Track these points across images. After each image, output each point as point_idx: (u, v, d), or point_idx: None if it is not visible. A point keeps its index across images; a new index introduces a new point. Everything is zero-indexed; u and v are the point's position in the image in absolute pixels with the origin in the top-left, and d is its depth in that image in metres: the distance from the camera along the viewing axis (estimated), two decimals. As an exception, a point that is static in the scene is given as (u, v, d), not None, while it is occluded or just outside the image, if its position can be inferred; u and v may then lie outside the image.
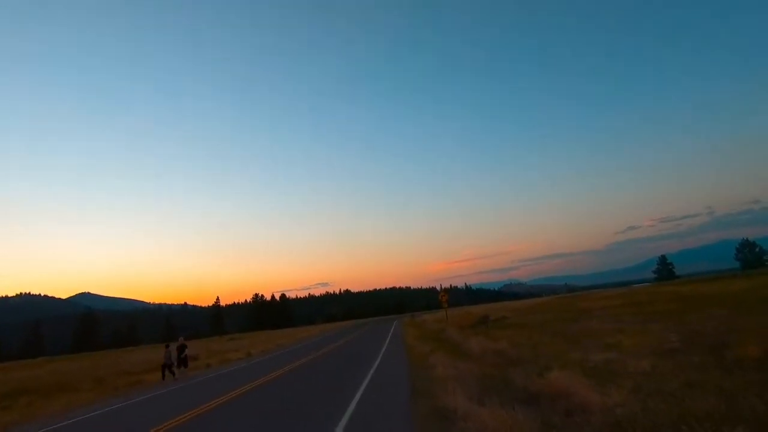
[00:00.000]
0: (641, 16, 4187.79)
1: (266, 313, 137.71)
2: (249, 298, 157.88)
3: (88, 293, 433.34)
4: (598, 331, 15.67)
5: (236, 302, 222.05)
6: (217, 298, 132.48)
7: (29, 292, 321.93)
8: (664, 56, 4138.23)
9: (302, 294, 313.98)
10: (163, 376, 17.67)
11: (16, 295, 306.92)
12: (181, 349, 19.04)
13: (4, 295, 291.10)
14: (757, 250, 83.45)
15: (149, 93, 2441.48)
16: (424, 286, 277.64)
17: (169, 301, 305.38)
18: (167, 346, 18.87)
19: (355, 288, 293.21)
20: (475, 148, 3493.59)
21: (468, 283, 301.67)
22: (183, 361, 18.87)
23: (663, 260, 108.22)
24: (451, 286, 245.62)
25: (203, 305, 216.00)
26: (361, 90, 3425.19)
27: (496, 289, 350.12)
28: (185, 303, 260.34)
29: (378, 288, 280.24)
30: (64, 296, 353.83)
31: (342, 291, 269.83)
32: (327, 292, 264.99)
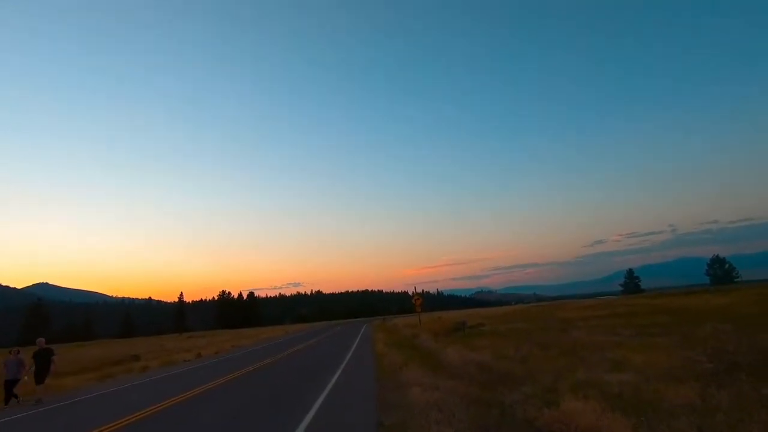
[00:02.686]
0: (607, 44, 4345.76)
1: (232, 312, 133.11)
2: (216, 296, 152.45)
3: (46, 284, 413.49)
4: (591, 343, 13.69)
5: (203, 299, 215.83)
6: (181, 294, 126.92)
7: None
8: (631, 76, 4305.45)
9: (273, 293, 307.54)
10: (6, 399, 11.67)
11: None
12: (42, 356, 12.10)
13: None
14: (726, 266, 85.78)
15: (119, 85, 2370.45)
16: (396, 290, 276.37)
17: (132, 296, 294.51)
18: (16, 353, 12.22)
19: (327, 289, 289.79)
20: (452, 159, 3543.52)
21: (440, 289, 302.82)
22: (40, 376, 11.86)
23: (630, 274, 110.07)
24: (423, 291, 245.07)
25: (168, 301, 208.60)
26: (339, 92, 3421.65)
27: (468, 296, 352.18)
28: (149, 298, 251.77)
29: (350, 290, 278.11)
30: (19, 286, 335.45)
31: (314, 292, 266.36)
32: (298, 293, 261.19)
